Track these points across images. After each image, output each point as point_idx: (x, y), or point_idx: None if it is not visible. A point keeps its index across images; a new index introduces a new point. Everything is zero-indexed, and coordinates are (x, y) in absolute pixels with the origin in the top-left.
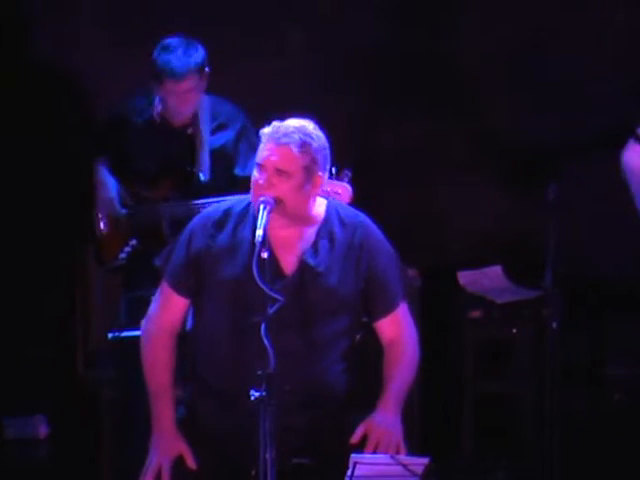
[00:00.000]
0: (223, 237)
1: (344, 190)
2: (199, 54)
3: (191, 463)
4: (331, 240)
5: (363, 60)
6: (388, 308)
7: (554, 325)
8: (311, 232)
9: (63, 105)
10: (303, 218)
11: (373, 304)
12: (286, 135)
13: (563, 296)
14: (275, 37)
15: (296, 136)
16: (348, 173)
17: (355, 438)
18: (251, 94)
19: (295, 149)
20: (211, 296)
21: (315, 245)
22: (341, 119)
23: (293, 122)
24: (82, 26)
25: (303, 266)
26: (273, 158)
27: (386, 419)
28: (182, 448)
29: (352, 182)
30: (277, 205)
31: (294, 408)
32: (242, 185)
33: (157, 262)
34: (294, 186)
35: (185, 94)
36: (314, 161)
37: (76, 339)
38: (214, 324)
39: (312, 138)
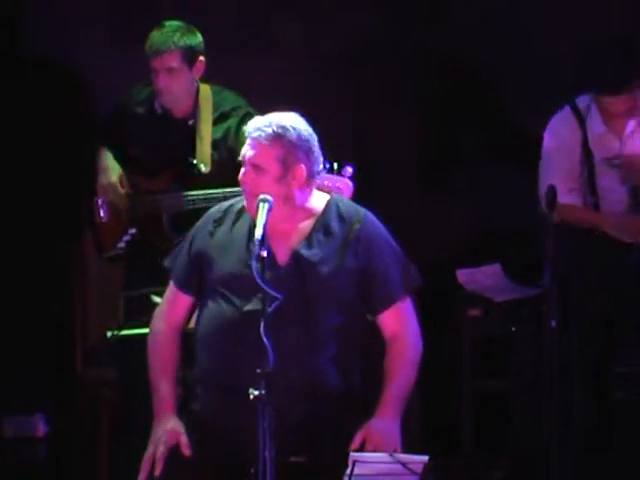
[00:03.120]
0: (221, 233)
1: (345, 185)
2: (190, 38)
3: (186, 451)
4: (327, 233)
5: (363, 58)
6: (388, 301)
7: (553, 323)
8: (307, 225)
9: (62, 99)
10: (290, 211)
11: (373, 297)
12: (258, 129)
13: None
14: (274, 34)
15: (269, 129)
16: (349, 169)
17: (355, 445)
18: (249, 92)
19: (265, 142)
20: (209, 291)
21: (309, 238)
22: (341, 117)
23: (271, 116)
24: (81, 21)
25: (296, 257)
26: (248, 153)
27: (384, 425)
28: (179, 435)
29: (353, 178)
30: (274, 204)
31: (289, 401)
32: None
33: (166, 263)
34: (272, 179)
35: (168, 74)
36: (289, 152)
37: (75, 337)
38: (211, 317)
39: (286, 129)
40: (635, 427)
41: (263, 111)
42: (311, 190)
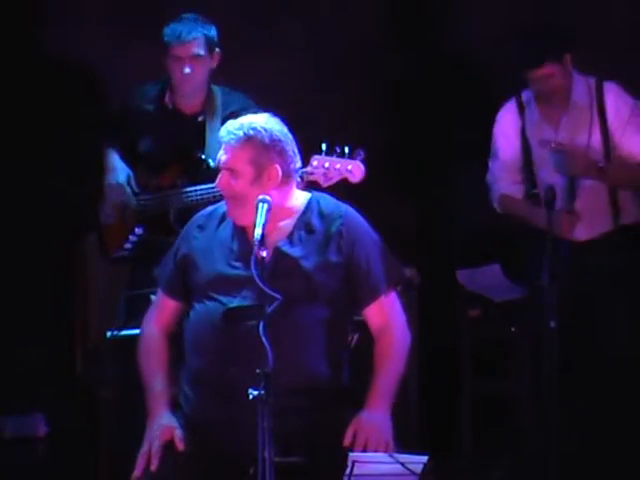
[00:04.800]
0: (204, 237)
1: (356, 168)
2: (209, 28)
3: (180, 445)
4: (308, 231)
5: (362, 57)
6: (372, 295)
7: (552, 324)
8: (288, 224)
9: (66, 98)
10: (276, 210)
11: (357, 292)
12: (230, 133)
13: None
14: (274, 36)
15: (240, 132)
16: (361, 152)
17: (347, 440)
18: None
19: (237, 145)
20: (197, 294)
21: (291, 236)
22: (341, 115)
23: (243, 119)
24: (90, 19)
25: (277, 254)
26: (222, 157)
27: (374, 417)
28: (173, 430)
29: (365, 161)
30: (272, 204)
31: (280, 398)
32: None
33: (156, 271)
34: (247, 182)
35: (193, 61)
36: (261, 154)
37: (74, 337)
38: (198, 318)
39: (257, 131)
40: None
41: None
42: (290, 189)
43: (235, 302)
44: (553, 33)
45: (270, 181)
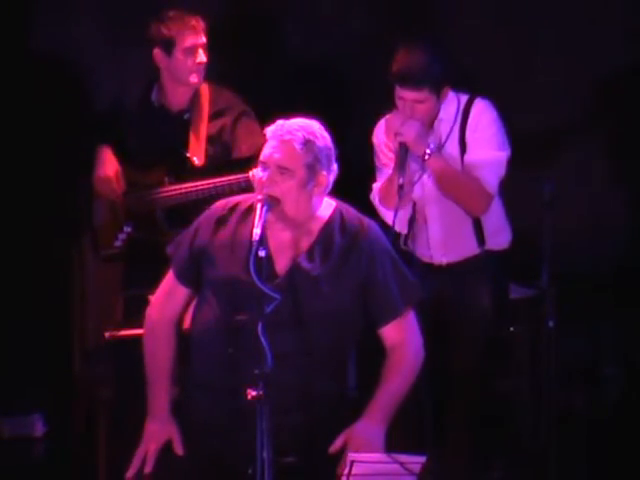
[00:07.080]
0: (224, 233)
1: None
2: None
3: (178, 449)
4: (328, 246)
5: (361, 55)
6: (390, 315)
7: (550, 324)
8: (310, 236)
9: (62, 97)
10: (304, 219)
11: (375, 311)
12: (289, 132)
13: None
14: (271, 35)
15: (299, 134)
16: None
17: (334, 448)
18: (244, 93)
19: (298, 146)
20: (208, 292)
21: (311, 250)
22: (341, 114)
23: (298, 121)
24: (83, 18)
25: (296, 269)
26: (276, 155)
27: (368, 430)
28: (172, 433)
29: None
30: (275, 205)
31: (284, 408)
32: (238, 169)
33: (169, 249)
34: (297, 184)
35: (205, 50)
36: (317, 159)
37: (72, 337)
38: (209, 320)
39: (316, 136)
40: None
41: (258, 111)
42: (323, 199)
43: (247, 312)
44: (442, 66)
45: (316, 188)
